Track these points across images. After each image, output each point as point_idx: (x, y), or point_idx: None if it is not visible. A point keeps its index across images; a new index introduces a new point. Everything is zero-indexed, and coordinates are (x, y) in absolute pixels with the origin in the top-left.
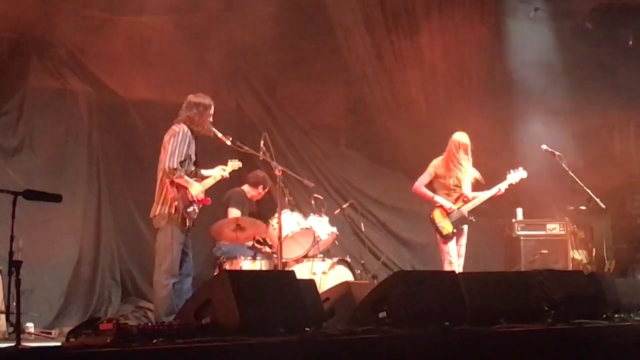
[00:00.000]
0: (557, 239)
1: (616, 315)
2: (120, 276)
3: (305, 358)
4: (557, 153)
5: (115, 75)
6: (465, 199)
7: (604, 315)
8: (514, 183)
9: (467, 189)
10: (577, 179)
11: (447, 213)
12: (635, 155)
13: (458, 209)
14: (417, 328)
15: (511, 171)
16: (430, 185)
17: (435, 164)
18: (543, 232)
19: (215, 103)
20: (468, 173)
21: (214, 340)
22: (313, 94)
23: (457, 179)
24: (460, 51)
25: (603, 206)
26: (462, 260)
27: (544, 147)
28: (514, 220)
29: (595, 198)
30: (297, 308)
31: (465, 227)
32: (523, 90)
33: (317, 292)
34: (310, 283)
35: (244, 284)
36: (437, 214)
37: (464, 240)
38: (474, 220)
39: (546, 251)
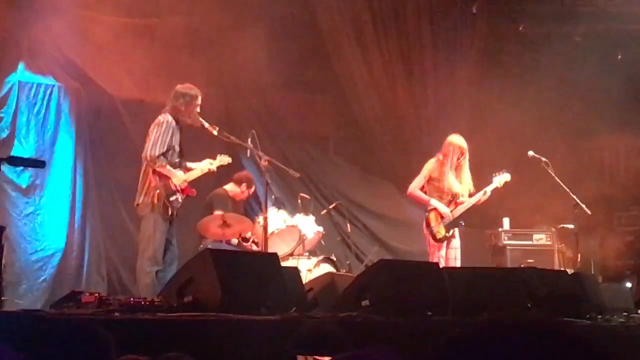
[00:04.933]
0: (543, 249)
1: (599, 317)
2: (106, 272)
3: (285, 337)
4: (543, 159)
5: (105, 72)
6: (456, 202)
7: (587, 316)
8: (500, 186)
9: (464, 191)
10: (563, 185)
11: (442, 217)
12: (623, 173)
13: (451, 211)
14: (399, 316)
15: (496, 174)
16: (422, 188)
17: (430, 167)
18: (529, 242)
19: (204, 105)
20: (463, 177)
21: (195, 314)
22: (303, 102)
23: (450, 182)
24: (450, 65)
25: (589, 212)
26: (459, 263)
27: (531, 153)
28: (500, 229)
29: (581, 204)
30: (279, 290)
31: (456, 230)
32: (514, 100)
33: (301, 279)
34: (294, 270)
35: (227, 263)
36: (432, 217)
37: (456, 242)
38: (463, 224)
39: (532, 261)
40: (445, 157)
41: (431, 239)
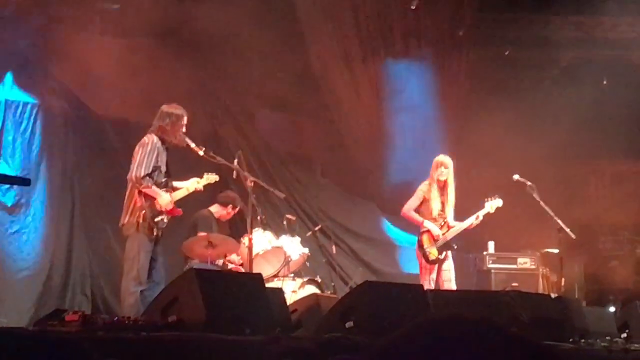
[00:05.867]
0: (527, 273)
1: (582, 340)
2: (91, 292)
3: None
4: (528, 183)
5: (92, 93)
6: (449, 225)
7: (570, 340)
8: (491, 211)
9: (450, 214)
10: (547, 209)
11: (434, 239)
12: (608, 198)
13: (443, 234)
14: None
15: (488, 199)
16: (416, 210)
17: (424, 189)
18: (514, 266)
19: (192, 127)
20: (448, 197)
21: (179, 334)
22: (290, 123)
23: (441, 204)
24: (437, 87)
25: (573, 236)
26: (453, 284)
27: (516, 177)
28: (485, 253)
29: (566, 228)
30: (263, 311)
31: (449, 252)
32: (499, 124)
33: (285, 300)
34: (278, 291)
35: (211, 283)
36: (425, 239)
37: (449, 263)
38: (456, 247)
39: (516, 284)
40: (430, 177)
41: (423, 261)
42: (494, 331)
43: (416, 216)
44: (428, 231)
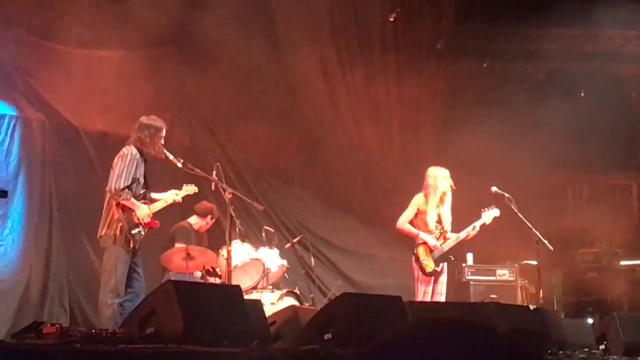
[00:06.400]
0: (506, 285)
1: (561, 352)
2: (69, 304)
3: None
4: (506, 195)
5: (70, 105)
6: (445, 237)
7: (549, 351)
8: (488, 222)
9: (447, 225)
10: (526, 221)
11: (431, 250)
12: (586, 210)
13: (440, 245)
14: (362, 350)
15: (485, 209)
16: (411, 222)
17: (419, 201)
18: (493, 278)
19: (170, 139)
20: (444, 209)
21: (157, 346)
22: (268, 135)
23: (437, 215)
24: (415, 99)
25: (551, 248)
26: (443, 298)
27: (494, 189)
28: (464, 264)
29: (544, 240)
30: (242, 323)
31: (445, 265)
32: (478, 136)
33: (263, 312)
34: (257, 303)
35: (189, 295)
36: (421, 251)
37: (444, 277)
38: (452, 258)
39: (495, 296)
40: (425, 189)
41: (420, 273)
42: (475, 332)
43: (411, 228)
44: (424, 243)
